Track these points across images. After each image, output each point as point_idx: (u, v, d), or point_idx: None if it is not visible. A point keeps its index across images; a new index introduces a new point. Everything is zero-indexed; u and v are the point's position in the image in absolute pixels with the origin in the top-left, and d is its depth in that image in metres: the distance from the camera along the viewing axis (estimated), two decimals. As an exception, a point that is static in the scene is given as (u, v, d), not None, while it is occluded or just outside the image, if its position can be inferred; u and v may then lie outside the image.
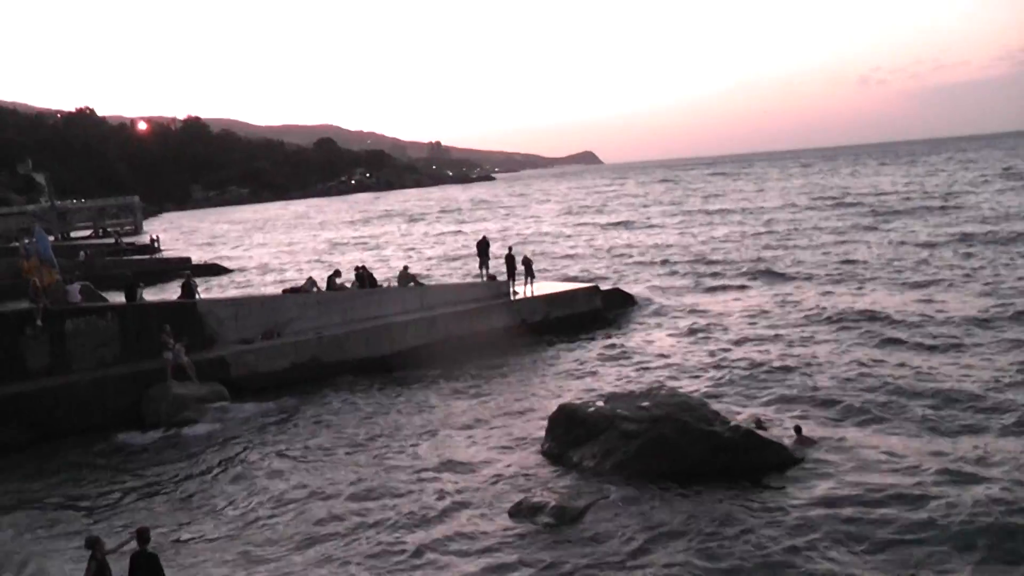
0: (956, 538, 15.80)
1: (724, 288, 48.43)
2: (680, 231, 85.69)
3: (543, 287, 42.14)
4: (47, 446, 26.69)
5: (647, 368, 31.57)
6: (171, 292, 52.91)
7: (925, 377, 26.78)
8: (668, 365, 31.69)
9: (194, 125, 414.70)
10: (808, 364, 29.46)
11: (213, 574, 16.92)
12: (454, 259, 76.88)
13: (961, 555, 15.30)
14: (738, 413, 23.40)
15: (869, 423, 22.98)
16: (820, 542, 16.16)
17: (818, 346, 32.19)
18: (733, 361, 31.04)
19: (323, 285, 38.50)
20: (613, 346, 35.69)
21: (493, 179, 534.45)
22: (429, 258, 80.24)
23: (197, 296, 35.57)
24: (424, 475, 21.57)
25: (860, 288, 43.89)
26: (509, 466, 21.77)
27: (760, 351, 32.19)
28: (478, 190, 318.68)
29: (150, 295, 42.34)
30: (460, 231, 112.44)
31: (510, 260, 40.90)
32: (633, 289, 48.05)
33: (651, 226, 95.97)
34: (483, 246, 43.62)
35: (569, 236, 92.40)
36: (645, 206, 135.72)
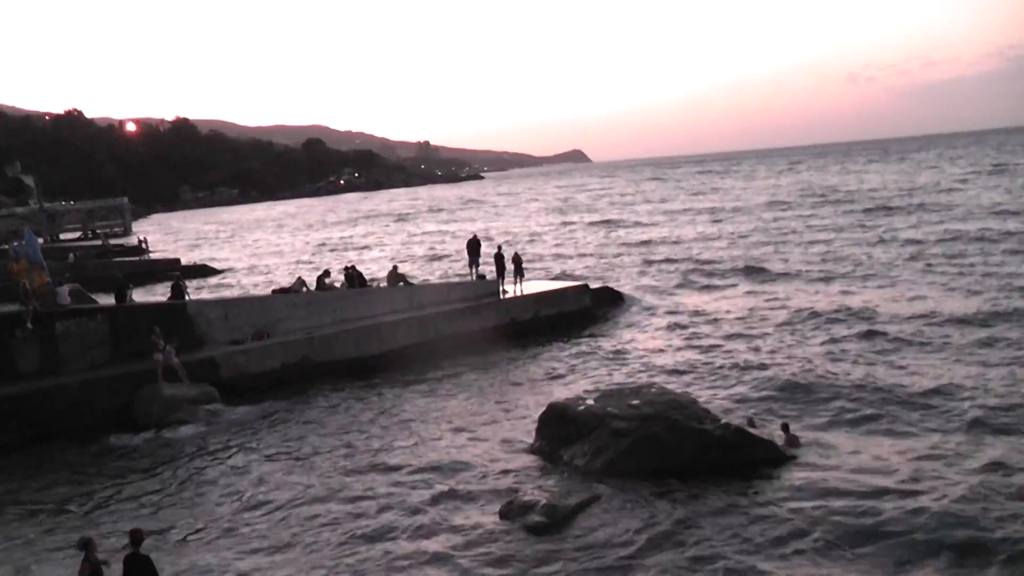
0: (944, 537, 15.85)
1: (713, 287, 48.53)
2: (669, 229, 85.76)
3: (532, 286, 42.25)
4: (39, 448, 26.67)
5: (637, 366, 31.63)
6: (160, 293, 52.91)
7: (915, 376, 26.85)
8: (657, 363, 31.74)
9: (183, 126, 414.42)
10: (797, 363, 29.49)
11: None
12: (443, 258, 76.91)
13: (949, 554, 15.39)
14: (728, 411, 23.51)
15: (859, 422, 23.05)
16: (811, 540, 16.22)
17: (807, 345, 32.28)
18: (722, 360, 31.15)
19: (312, 285, 38.49)
20: (602, 344, 35.75)
21: (482, 178, 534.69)
22: (418, 257, 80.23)
23: (187, 297, 35.57)
24: (414, 475, 21.59)
25: (849, 286, 44.09)
26: (499, 465, 21.78)
27: (749, 349, 32.34)
28: (467, 189, 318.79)
29: (140, 296, 42.29)
30: (448, 231, 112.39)
31: (499, 259, 40.92)
32: (622, 287, 48.19)
33: (640, 224, 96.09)
34: (474, 245, 43.67)
35: (558, 235, 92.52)
36: (634, 204, 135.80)
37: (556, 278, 53.54)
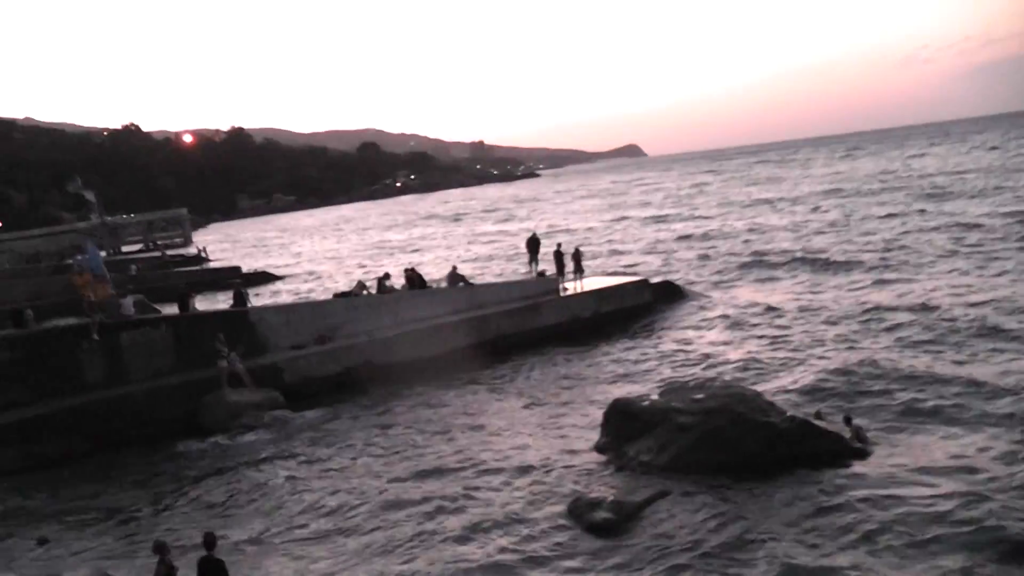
0: (1017, 536, 15.27)
1: (774, 278, 47.95)
2: (726, 222, 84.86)
3: (592, 282, 42.04)
4: (108, 456, 27.06)
5: (699, 360, 31.31)
6: (222, 301, 53.38)
7: (985, 367, 25.96)
8: (720, 357, 31.39)
9: (238, 136, 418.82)
10: (862, 354, 28.85)
11: (276, 579, 17.05)
12: (502, 257, 76.87)
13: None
14: (795, 405, 23.16)
15: (928, 415, 22.36)
16: (878, 537, 15.91)
17: (872, 336, 31.61)
18: (785, 352, 30.76)
19: (373, 288, 38.60)
20: (664, 339, 35.53)
21: (538, 176, 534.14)
22: (477, 257, 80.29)
23: (248, 304, 35.84)
24: (481, 475, 21.57)
25: (913, 274, 43.15)
26: (565, 463, 21.69)
27: (813, 341, 31.82)
28: (522, 188, 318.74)
29: (201, 305, 42.68)
30: (505, 230, 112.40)
31: (559, 256, 40.84)
32: (682, 282, 47.74)
33: (696, 217, 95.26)
34: (533, 243, 43.63)
35: (614, 230, 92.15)
36: (690, 197, 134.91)
37: (615, 274, 53.23)
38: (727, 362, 30.51)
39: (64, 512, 22.46)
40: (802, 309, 37.95)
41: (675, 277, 49.78)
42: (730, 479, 19.08)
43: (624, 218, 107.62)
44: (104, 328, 30.27)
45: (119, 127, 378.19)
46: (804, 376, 27.24)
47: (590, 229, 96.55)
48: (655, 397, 22.46)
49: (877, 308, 35.93)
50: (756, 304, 40.39)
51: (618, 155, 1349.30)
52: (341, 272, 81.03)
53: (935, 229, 58.65)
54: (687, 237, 75.25)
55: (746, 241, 66.23)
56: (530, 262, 43.78)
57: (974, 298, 35.44)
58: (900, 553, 15.28)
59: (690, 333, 36.22)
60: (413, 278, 39.28)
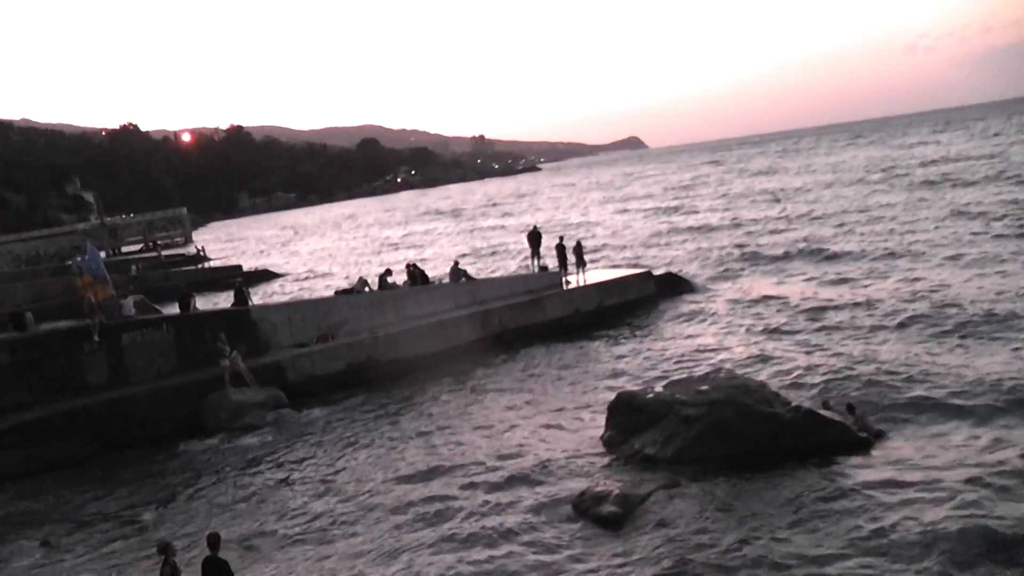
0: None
1: (778, 269, 47.71)
2: (729, 213, 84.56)
3: (595, 275, 41.94)
4: (111, 457, 27.04)
5: (704, 352, 31.19)
6: (223, 300, 53.29)
7: (994, 357, 25.62)
8: (725, 348, 31.31)
9: (237, 134, 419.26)
10: (869, 345, 28.77)
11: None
12: (503, 252, 76.80)
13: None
14: (800, 395, 23.04)
15: (936, 406, 22.02)
16: (882, 529, 15.76)
17: (879, 326, 31.28)
18: (790, 343, 30.64)
19: (375, 285, 38.49)
20: (668, 331, 35.45)
21: (539, 169, 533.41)
22: (479, 252, 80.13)
23: (250, 303, 35.73)
24: (486, 471, 21.47)
25: (919, 263, 42.68)
26: (570, 456, 21.63)
27: (818, 331, 31.70)
28: (524, 182, 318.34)
29: (202, 304, 42.60)
30: (507, 224, 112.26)
31: (560, 249, 40.72)
32: (685, 273, 47.58)
33: (699, 209, 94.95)
34: (534, 237, 43.50)
35: (617, 223, 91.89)
36: (692, 188, 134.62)
37: (618, 266, 53.07)
38: (732, 352, 30.41)
39: (67, 515, 22.45)
40: (806, 299, 37.76)
41: (679, 268, 49.66)
42: (736, 470, 18.99)
43: (626, 210, 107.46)
44: (105, 329, 30.18)
45: (117, 127, 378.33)
46: (809, 367, 27.07)
47: (592, 222, 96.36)
48: (659, 389, 22.31)
49: (883, 297, 35.70)
50: (760, 295, 40.21)
51: (620, 147, 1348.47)
52: (343, 269, 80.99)
53: (940, 218, 58.07)
54: (690, 228, 75.03)
55: (749, 232, 66.05)
56: (532, 256, 43.64)
57: (982, 288, 35.02)
58: (904, 545, 15.13)
59: (694, 325, 36.08)
60: (415, 274, 39.18)
